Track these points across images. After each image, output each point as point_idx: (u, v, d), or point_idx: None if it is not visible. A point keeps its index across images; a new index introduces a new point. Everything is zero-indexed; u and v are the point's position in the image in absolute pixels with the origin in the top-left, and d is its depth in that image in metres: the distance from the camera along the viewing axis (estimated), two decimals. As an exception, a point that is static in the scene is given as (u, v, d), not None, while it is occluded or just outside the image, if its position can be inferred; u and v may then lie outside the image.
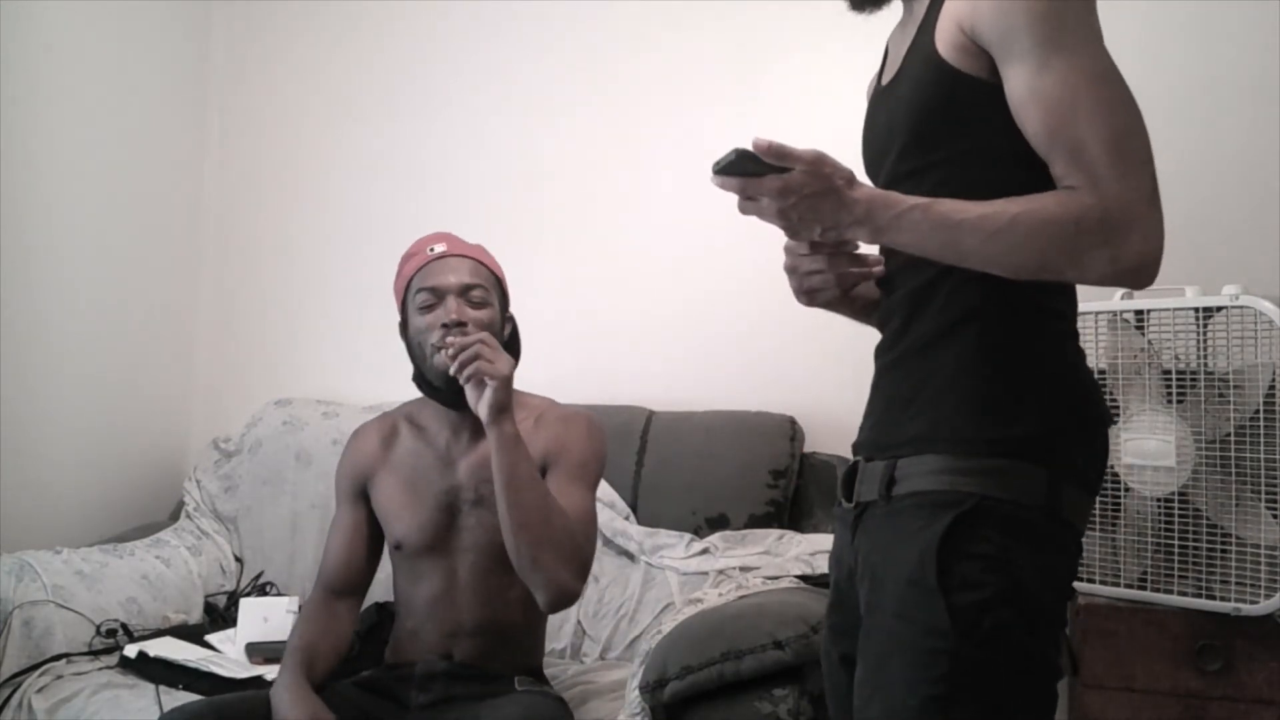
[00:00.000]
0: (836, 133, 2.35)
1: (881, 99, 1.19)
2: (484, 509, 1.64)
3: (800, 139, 2.70)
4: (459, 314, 1.61)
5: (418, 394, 2.49)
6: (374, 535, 1.74)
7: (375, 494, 1.73)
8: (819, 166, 0.96)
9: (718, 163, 0.96)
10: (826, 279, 1.17)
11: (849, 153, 2.67)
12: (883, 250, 1.18)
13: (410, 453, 1.72)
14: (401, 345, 2.70)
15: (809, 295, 1.20)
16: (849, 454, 2.45)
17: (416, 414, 1.77)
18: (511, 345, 1.74)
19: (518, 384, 1.71)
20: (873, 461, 1.11)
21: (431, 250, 1.69)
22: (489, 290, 1.68)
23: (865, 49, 2.35)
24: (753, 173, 0.97)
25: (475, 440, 1.67)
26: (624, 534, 2.16)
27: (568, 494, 1.60)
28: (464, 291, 1.64)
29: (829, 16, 2.44)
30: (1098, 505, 1.79)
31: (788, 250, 1.18)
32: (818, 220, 1.00)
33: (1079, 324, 1.80)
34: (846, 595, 1.13)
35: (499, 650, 1.66)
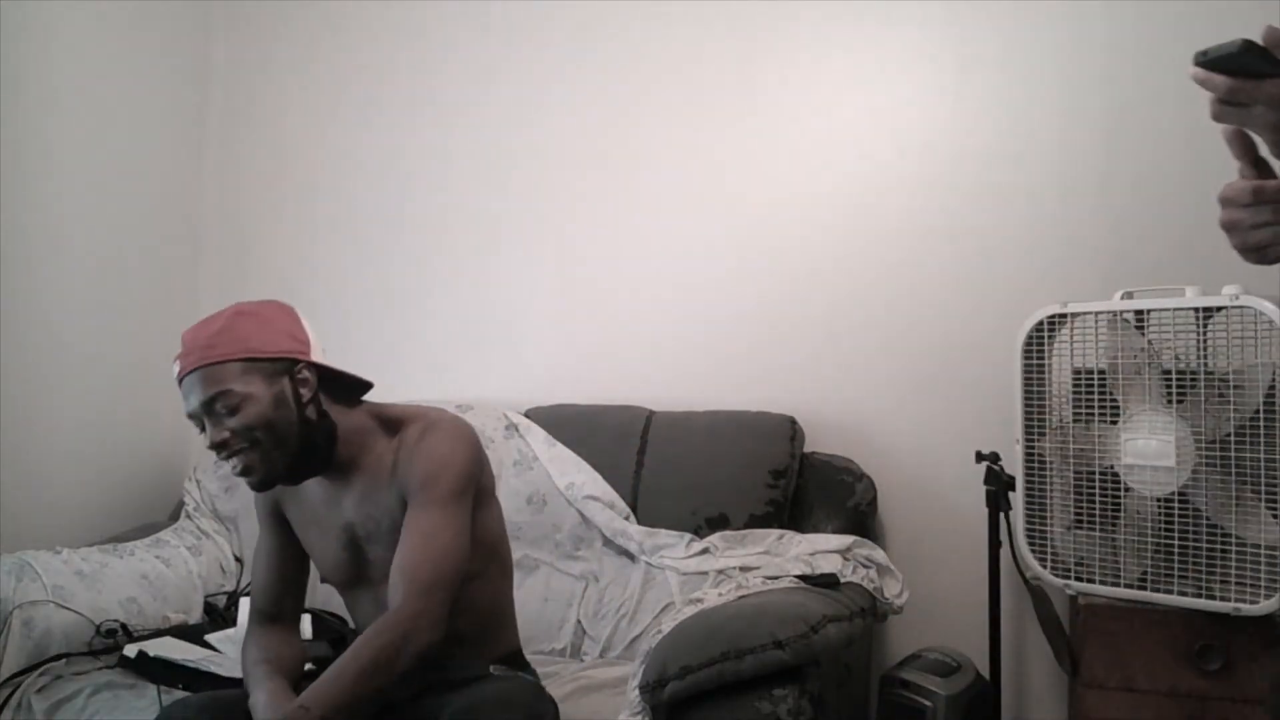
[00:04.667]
0: (839, 133, 2.37)
1: None
2: (380, 544, 1.57)
3: (801, 138, 2.70)
4: (215, 436, 1.47)
5: (413, 397, 2.51)
6: (299, 555, 1.67)
7: (292, 523, 1.66)
8: None
9: (1207, 52, 0.79)
10: (1277, 231, 0.95)
11: (850, 153, 2.66)
12: None
13: (309, 489, 1.62)
14: (399, 343, 2.73)
15: (1258, 252, 0.98)
16: (849, 454, 2.46)
17: None
18: (335, 386, 1.58)
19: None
20: None
21: (176, 369, 1.53)
22: (235, 388, 1.47)
23: (868, 50, 2.36)
24: (1252, 73, 0.81)
25: (349, 474, 1.58)
26: (624, 534, 2.16)
27: (414, 527, 1.49)
28: (209, 411, 1.47)
29: (832, 17, 2.46)
30: (1097, 505, 1.79)
31: (1225, 202, 0.96)
32: None
33: (1079, 323, 1.82)
34: None
35: (459, 651, 1.60)
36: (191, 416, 1.50)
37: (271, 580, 1.67)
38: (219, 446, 1.47)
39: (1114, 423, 1.78)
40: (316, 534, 1.63)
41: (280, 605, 1.66)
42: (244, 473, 1.49)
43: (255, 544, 1.70)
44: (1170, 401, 1.73)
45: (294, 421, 1.49)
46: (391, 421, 1.60)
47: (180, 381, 1.50)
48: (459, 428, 1.58)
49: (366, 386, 1.63)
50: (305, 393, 1.52)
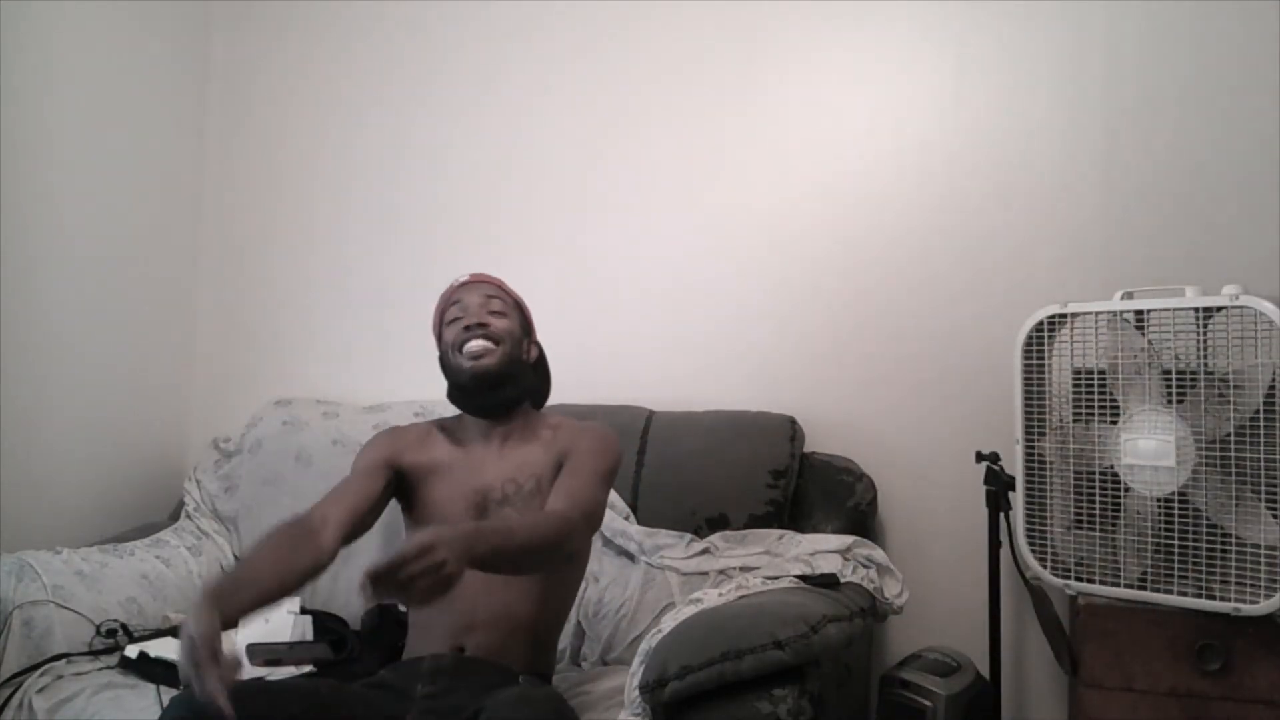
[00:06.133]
0: (839, 133, 2.37)
1: None
2: (509, 506, 1.75)
3: (801, 138, 2.69)
4: (480, 317, 1.80)
5: (413, 397, 2.52)
6: (374, 507, 1.73)
7: (411, 481, 1.81)
8: None
9: None
10: None
11: (850, 152, 2.66)
12: None
13: (445, 454, 1.84)
14: (400, 344, 2.72)
15: None
16: (849, 454, 2.46)
17: (450, 424, 1.90)
18: (539, 369, 1.94)
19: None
20: None
21: (459, 280, 1.90)
22: (508, 306, 1.86)
23: (868, 50, 2.36)
24: None
25: (505, 446, 1.82)
26: (624, 534, 2.16)
27: (570, 483, 1.69)
28: (485, 304, 1.83)
29: (832, 17, 2.46)
30: (1097, 505, 1.79)
31: None
32: None
33: (1079, 323, 1.82)
34: None
35: (510, 644, 1.68)
36: (461, 305, 1.83)
37: (338, 503, 1.67)
38: (478, 325, 1.80)
39: (1114, 423, 1.78)
40: (444, 496, 1.79)
41: (324, 522, 1.62)
42: (479, 355, 1.78)
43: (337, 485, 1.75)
44: (1170, 401, 1.73)
45: (520, 357, 1.85)
46: (549, 420, 1.89)
47: (459, 282, 1.88)
48: (614, 434, 1.85)
49: (544, 400, 1.98)
50: (529, 356, 1.89)
